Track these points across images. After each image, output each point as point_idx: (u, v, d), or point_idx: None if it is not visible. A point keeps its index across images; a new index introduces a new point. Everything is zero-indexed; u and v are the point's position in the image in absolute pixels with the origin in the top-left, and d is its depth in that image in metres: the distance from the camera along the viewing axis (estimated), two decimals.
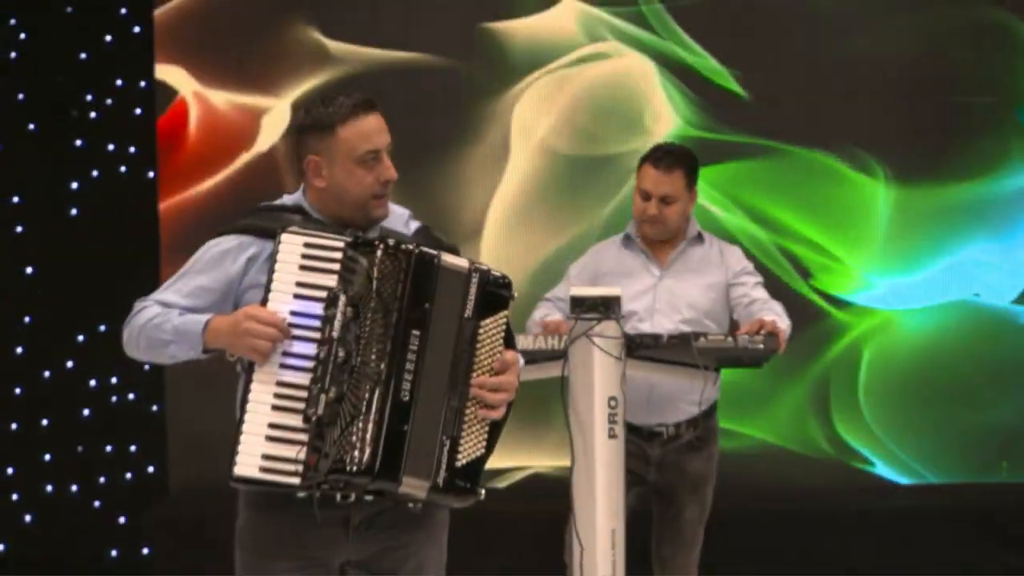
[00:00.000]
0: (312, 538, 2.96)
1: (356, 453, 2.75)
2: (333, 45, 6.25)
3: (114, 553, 6.44)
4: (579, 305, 3.97)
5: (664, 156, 4.40)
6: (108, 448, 6.52)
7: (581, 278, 4.45)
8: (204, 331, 2.90)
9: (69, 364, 6.55)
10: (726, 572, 5.17)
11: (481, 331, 2.92)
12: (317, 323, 2.82)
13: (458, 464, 2.88)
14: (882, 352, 6.12)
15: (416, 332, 2.83)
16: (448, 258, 2.92)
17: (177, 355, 2.96)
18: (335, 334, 2.79)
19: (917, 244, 6.11)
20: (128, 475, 6.51)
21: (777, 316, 4.11)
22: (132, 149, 6.50)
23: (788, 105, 6.12)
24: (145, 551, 6.35)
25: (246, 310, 2.85)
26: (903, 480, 6.07)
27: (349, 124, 2.96)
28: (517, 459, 6.02)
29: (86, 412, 6.53)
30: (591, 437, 3.97)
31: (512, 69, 6.22)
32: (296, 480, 2.78)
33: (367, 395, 2.78)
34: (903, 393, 6.10)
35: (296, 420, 2.79)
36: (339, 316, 2.79)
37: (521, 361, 3.11)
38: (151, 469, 6.49)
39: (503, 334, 2.97)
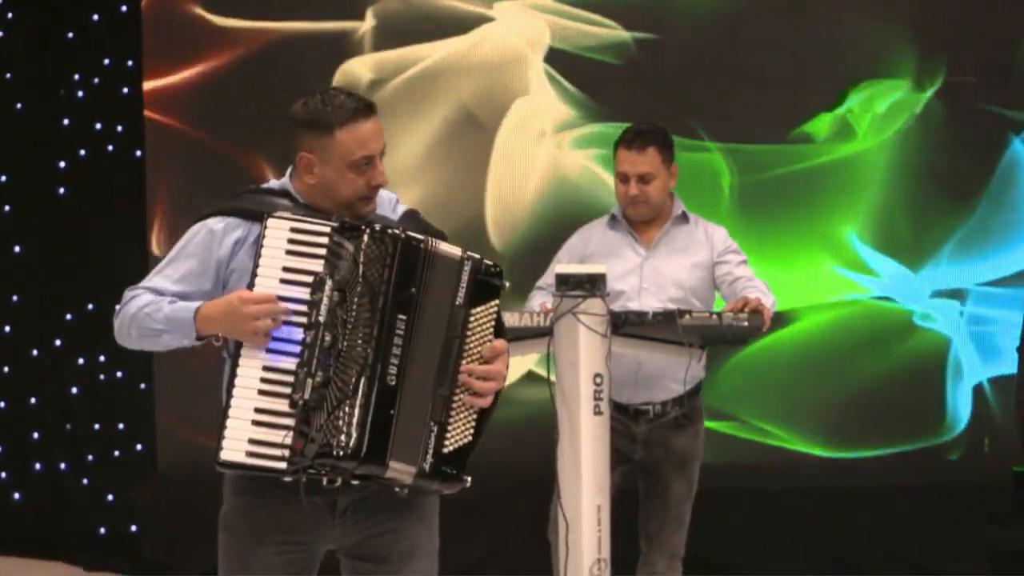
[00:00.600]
0: (297, 522, 2.96)
1: (343, 437, 2.75)
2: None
3: (103, 530, 6.44)
4: (565, 283, 3.98)
5: (635, 137, 4.43)
6: (96, 426, 6.53)
7: (571, 258, 4.47)
8: (195, 319, 2.89)
9: (57, 343, 6.56)
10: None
11: (472, 319, 2.92)
12: (304, 308, 2.82)
13: (445, 450, 2.88)
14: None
15: (403, 317, 2.83)
16: (442, 246, 2.91)
17: (170, 344, 2.96)
18: (322, 318, 2.78)
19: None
20: (116, 453, 6.51)
21: (762, 294, 4.13)
22: (119, 127, 6.51)
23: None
24: (133, 528, 6.36)
25: (239, 294, 2.84)
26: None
27: (347, 128, 2.93)
28: None
29: (74, 390, 6.54)
30: (576, 414, 3.97)
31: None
32: (282, 465, 2.78)
33: (354, 379, 2.78)
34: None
35: (283, 405, 2.78)
36: (325, 300, 2.78)
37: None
38: (139, 447, 6.48)
39: (493, 323, 2.97)
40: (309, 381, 2.77)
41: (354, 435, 2.76)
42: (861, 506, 5.78)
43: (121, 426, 6.52)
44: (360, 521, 3.00)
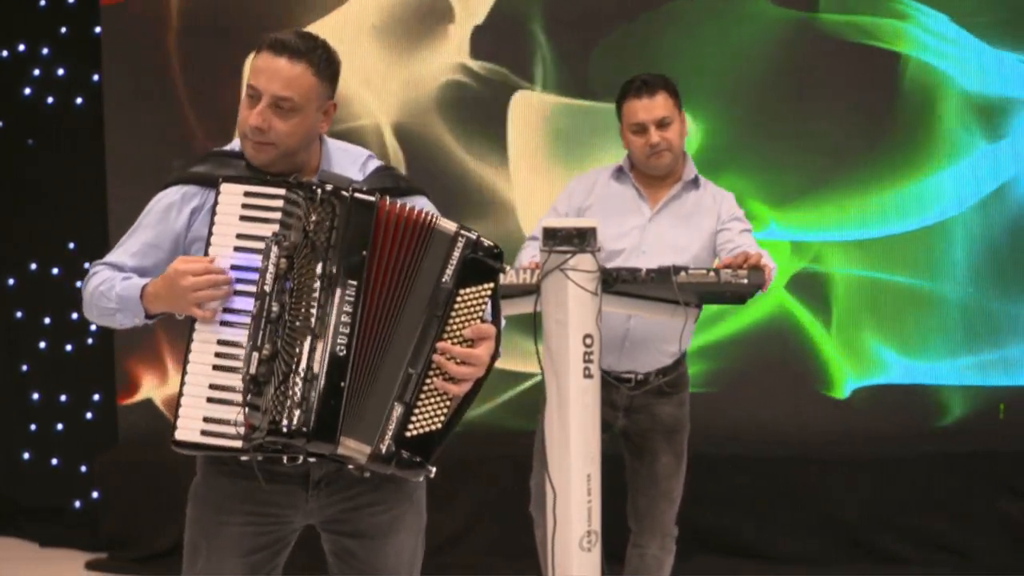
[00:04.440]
0: (267, 495, 2.86)
1: (290, 413, 2.61)
2: None
3: (59, 505, 6.27)
4: (552, 237, 3.75)
5: (641, 84, 4.23)
6: (52, 395, 6.34)
7: (568, 208, 4.27)
8: (142, 297, 2.79)
9: (8, 308, 6.35)
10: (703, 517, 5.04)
11: (458, 300, 2.77)
12: (257, 276, 2.70)
13: (408, 434, 2.73)
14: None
15: (353, 282, 2.68)
16: (442, 222, 2.78)
17: (124, 323, 2.86)
18: (267, 287, 2.65)
19: None
20: (75, 422, 6.32)
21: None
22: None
23: None
24: (92, 501, 6.18)
25: (175, 266, 2.73)
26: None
27: (256, 54, 2.83)
28: None
29: (27, 356, 6.34)
30: (565, 377, 3.76)
31: None
32: (239, 443, 2.67)
33: (300, 350, 2.63)
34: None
35: (237, 380, 2.66)
36: (271, 268, 2.65)
37: (502, 323, 2.96)
38: (99, 416, 6.28)
39: (484, 306, 2.81)
40: (255, 355, 2.62)
41: (301, 410, 2.61)
42: (867, 476, 5.59)
43: (79, 394, 6.31)
44: (335, 493, 2.88)
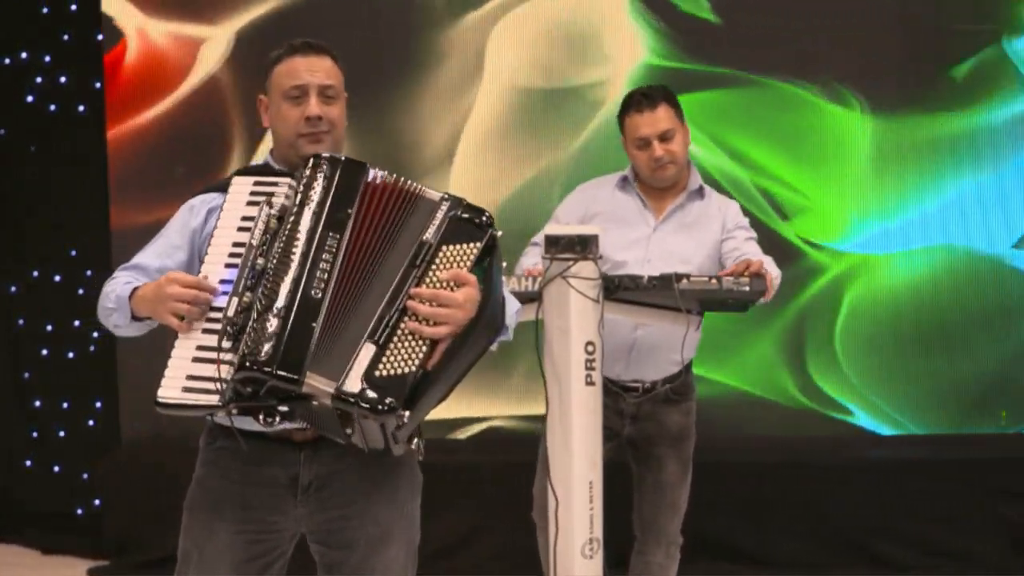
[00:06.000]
0: (258, 499, 2.90)
1: (259, 347, 2.65)
2: None
3: (61, 511, 6.25)
4: (554, 245, 3.76)
5: (642, 98, 4.20)
6: (54, 399, 6.33)
7: (570, 218, 4.24)
8: (131, 298, 2.86)
9: (20, 322, 6.34)
10: (704, 522, 5.03)
11: (440, 255, 2.81)
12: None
13: (377, 373, 2.70)
14: (862, 296, 5.91)
15: (335, 235, 2.77)
16: (426, 191, 2.88)
17: (119, 324, 2.92)
18: (254, 241, 2.76)
19: (900, 184, 5.88)
20: (76, 427, 6.31)
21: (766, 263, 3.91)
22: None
23: (763, 35, 5.88)
24: (94, 508, 6.16)
25: (168, 274, 2.79)
26: (884, 431, 5.89)
27: (283, 62, 3.02)
28: (475, 410, 5.80)
29: (29, 360, 6.34)
30: (567, 384, 3.76)
31: None
32: (216, 399, 2.66)
33: (276, 293, 2.70)
34: (883, 340, 5.90)
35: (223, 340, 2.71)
36: (260, 224, 2.77)
37: (515, 306, 3.02)
38: (101, 421, 6.27)
39: (469, 264, 2.83)
40: (235, 300, 2.69)
41: (269, 344, 2.65)
42: (865, 481, 5.59)
43: (81, 401, 6.30)
44: (325, 500, 2.90)
